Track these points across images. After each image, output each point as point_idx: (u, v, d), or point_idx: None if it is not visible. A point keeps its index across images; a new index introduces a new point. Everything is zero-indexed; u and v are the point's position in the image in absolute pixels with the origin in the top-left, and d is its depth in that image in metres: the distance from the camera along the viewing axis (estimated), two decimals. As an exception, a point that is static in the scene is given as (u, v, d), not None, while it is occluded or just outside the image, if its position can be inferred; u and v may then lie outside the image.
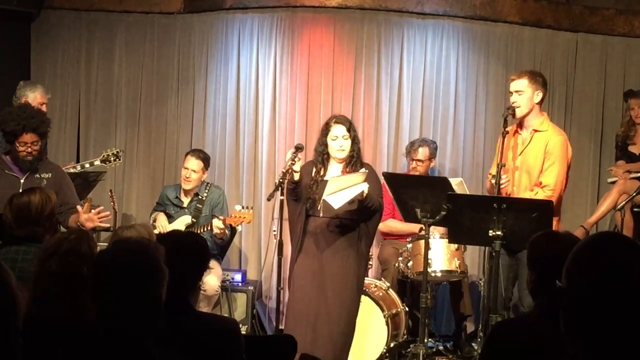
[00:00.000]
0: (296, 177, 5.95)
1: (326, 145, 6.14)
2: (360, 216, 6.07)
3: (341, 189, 5.85)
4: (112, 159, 7.37)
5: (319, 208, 6.00)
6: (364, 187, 5.85)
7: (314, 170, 6.12)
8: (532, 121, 6.20)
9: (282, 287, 5.78)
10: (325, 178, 6.05)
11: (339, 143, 6.10)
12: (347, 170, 6.12)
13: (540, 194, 6.00)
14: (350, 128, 6.16)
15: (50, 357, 2.80)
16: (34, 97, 7.24)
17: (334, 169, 6.17)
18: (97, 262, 2.85)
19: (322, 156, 6.16)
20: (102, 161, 7.34)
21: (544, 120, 6.24)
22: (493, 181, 6.01)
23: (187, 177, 7.50)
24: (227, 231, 7.32)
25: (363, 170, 6.06)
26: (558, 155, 6.12)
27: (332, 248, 6.07)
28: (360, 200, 5.91)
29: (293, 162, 5.91)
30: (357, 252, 6.12)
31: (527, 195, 6.05)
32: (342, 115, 6.58)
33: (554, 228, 6.09)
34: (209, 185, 7.67)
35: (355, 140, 6.17)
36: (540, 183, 6.11)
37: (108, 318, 2.66)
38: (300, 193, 6.03)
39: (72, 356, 2.68)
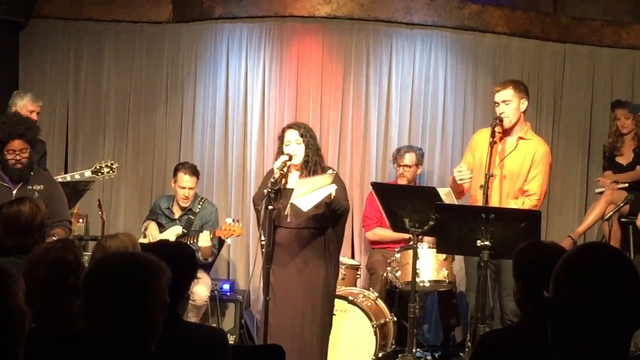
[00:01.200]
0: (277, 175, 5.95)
1: (282, 153, 6.10)
2: (327, 221, 6.05)
3: (309, 192, 5.83)
4: (105, 170, 7.27)
5: (286, 213, 5.94)
6: (332, 189, 5.84)
7: (270, 182, 5.95)
8: (517, 129, 6.26)
9: (270, 297, 5.74)
10: (287, 187, 6.01)
11: (291, 148, 6.06)
12: (305, 176, 6.08)
13: (527, 203, 6.10)
14: (304, 133, 6.12)
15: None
16: (22, 105, 7.23)
17: (292, 177, 6.13)
18: (89, 278, 2.83)
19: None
20: (93, 172, 7.25)
21: (527, 129, 6.34)
22: (454, 177, 6.21)
23: (185, 197, 7.47)
24: (214, 250, 7.32)
25: (330, 171, 6.06)
26: (545, 166, 6.23)
27: (302, 258, 6.05)
28: (327, 202, 5.88)
29: (282, 172, 5.90)
30: (326, 260, 6.10)
31: (513, 203, 6.10)
32: (299, 122, 6.58)
33: None
34: (202, 200, 7.64)
35: (309, 145, 6.11)
36: (525, 191, 6.15)
37: (98, 331, 2.64)
38: (278, 193, 5.98)
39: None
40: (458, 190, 6.25)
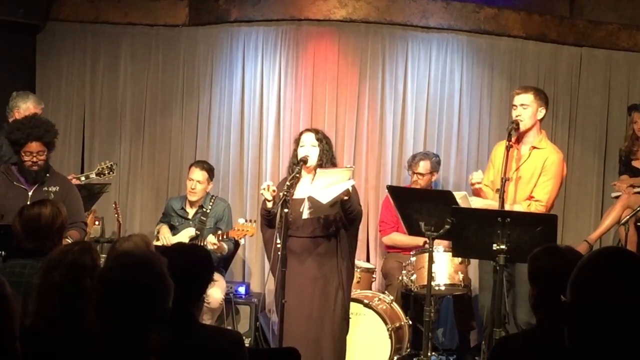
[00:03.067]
0: (269, 205, 5.90)
1: (297, 157, 6.08)
2: (338, 227, 6.00)
3: (328, 186, 5.79)
4: (106, 172, 7.36)
5: (302, 210, 5.87)
6: (350, 184, 5.81)
7: (286, 185, 5.84)
8: (531, 137, 6.26)
9: (285, 300, 5.72)
10: (296, 196, 5.92)
11: (305, 149, 6.03)
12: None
13: (533, 207, 6.07)
14: (321, 138, 6.10)
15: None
16: (26, 107, 7.18)
17: (305, 181, 6.07)
18: (101, 279, 2.84)
19: (292, 167, 6.07)
20: (97, 174, 7.34)
21: (542, 138, 6.31)
22: (477, 186, 6.22)
23: (192, 189, 7.51)
24: (225, 245, 7.32)
25: (349, 166, 6.04)
26: (554, 173, 6.21)
27: (315, 266, 6.01)
28: (342, 201, 5.84)
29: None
30: (339, 266, 6.06)
31: (518, 206, 6.09)
32: (318, 128, 6.53)
33: None
34: (214, 197, 7.67)
35: (324, 151, 6.08)
36: (532, 197, 6.14)
37: (111, 332, 2.65)
38: (273, 220, 5.91)
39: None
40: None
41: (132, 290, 2.67)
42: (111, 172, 7.40)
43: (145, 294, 2.68)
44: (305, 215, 5.92)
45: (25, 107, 7.19)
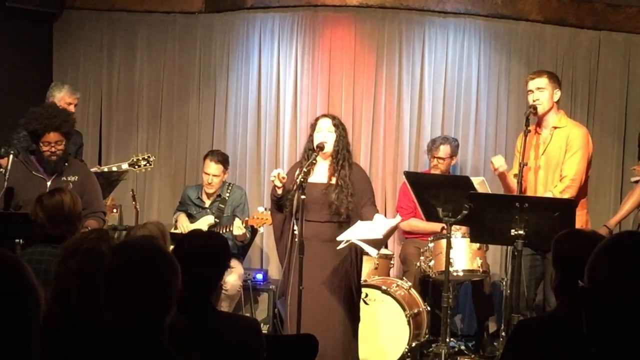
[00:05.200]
0: (279, 192, 5.86)
1: (312, 142, 6.00)
2: (351, 211, 5.90)
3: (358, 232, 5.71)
4: (142, 163, 7.20)
5: (338, 239, 5.70)
6: (396, 221, 5.81)
7: (303, 172, 5.74)
8: (550, 119, 6.24)
9: (302, 287, 5.69)
10: (311, 180, 5.85)
11: (322, 134, 5.96)
12: (333, 165, 5.96)
13: (560, 186, 6.02)
14: (337, 124, 6.03)
15: (72, 356, 2.79)
16: (60, 97, 7.23)
17: (320, 167, 6.00)
18: (108, 266, 2.84)
19: (308, 152, 5.99)
20: (130, 165, 7.17)
21: (561, 116, 6.29)
22: (501, 169, 6.17)
23: (209, 183, 7.52)
24: (247, 233, 7.32)
25: (398, 218, 6.01)
26: (579, 146, 6.17)
27: (326, 252, 5.90)
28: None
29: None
30: (350, 253, 5.98)
31: (549, 190, 6.07)
32: (334, 114, 6.44)
33: (584, 222, 6.11)
34: (230, 185, 7.68)
35: (341, 138, 6.00)
36: (562, 177, 6.12)
37: (123, 319, 2.65)
38: (282, 205, 5.92)
39: (93, 355, 2.68)
40: (510, 189, 6.22)
41: (137, 277, 2.66)
42: (148, 164, 7.24)
43: (152, 278, 2.66)
44: (374, 254, 5.86)
45: (59, 96, 7.22)
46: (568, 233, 3.68)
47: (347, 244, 5.64)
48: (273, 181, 5.86)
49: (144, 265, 2.67)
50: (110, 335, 2.62)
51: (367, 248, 5.62)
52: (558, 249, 3.60)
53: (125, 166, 7.14)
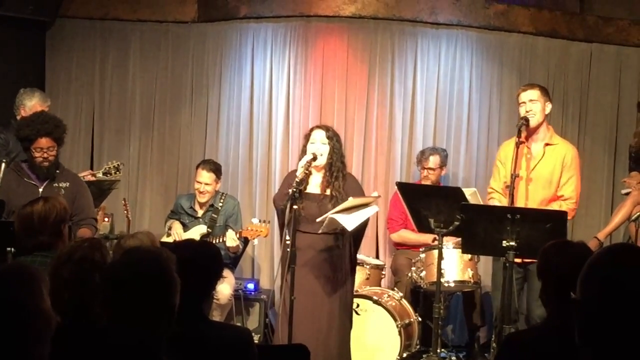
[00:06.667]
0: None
1: (306, 152, 6.02)
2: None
3: (352, 211, 5.78)
4: (112, 171, 7.28)
5: (319, 220, 5.80)
6: (375, 210, 5.81)
7: (296, 182, 5.81)
8: (541, 134, 6.32)
9: (294, 297, 5.70)
10: (305, 191, 5.91)
11: (315, 147, 5.99)
12: (327, 179, 6.01)
13: (564, 207, 6.14)
14: (331, 136, 6.05)
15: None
16: (31, 105, 7.14)
17: (314, 179, 6.06)
18: (108, 273, 2.84)
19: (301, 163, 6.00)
20: (104, 173, 7.27)
21: (552, 134, 6.39)
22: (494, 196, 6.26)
23: (201, 192, 7.52)
24: (241, 244, 7.32)
25: (375, 194, 6.04)
26: (576, 169, 6.33)
27: (320, 263, 5.97)
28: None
29: (308, 172, 5.87)
30: (344, 264, 6.05)
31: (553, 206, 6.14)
32: (328, 125, 6.48)
33: None
34: (223, 195, 7.67)
35: (334, 149, 6.03)
36: (561, 196, 6.18)
37: (120, 327, 2.65)
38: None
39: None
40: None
41: (139, 286, 2.67)
42: (118, 172, 7.33)
43: (152, 289, 2.68)
44: (321, 230, 5.88)
45: (30, 104, 7.16)
46: (554, 244, 3.68)
47: (326, 221, 5.70)
48: (307, 175, 5.87)
49: (147, 280, 2.68)
50: (105, 344, 2.63)
51: (342, 222, 5.69)
52: (545, 260, 3.60)
53: (100, 175, 7.23)
